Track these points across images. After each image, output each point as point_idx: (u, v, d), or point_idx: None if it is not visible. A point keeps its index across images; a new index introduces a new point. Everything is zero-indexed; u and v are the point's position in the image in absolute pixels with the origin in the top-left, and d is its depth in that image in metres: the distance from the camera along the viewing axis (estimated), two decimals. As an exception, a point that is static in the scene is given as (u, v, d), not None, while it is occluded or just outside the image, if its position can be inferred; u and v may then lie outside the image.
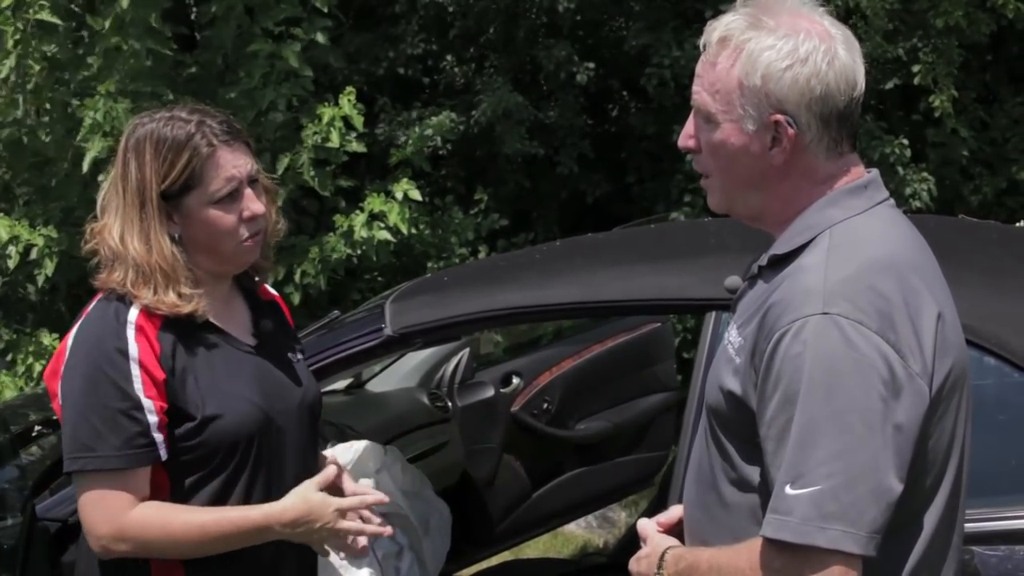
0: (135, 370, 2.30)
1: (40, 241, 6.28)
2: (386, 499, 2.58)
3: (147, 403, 2.29)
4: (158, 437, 2.31)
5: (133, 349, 2.30)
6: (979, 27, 7.71)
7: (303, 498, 2.39)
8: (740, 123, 1.88)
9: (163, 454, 2.33)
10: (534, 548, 5.54)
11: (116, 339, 2.31)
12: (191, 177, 2.35)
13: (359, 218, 6.60)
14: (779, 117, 1.85)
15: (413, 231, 6.84)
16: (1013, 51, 8.55)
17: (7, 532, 2.99)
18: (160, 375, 2.31)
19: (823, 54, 1.84)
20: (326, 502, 2.40)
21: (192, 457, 2.36)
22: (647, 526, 2.13)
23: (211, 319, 2.42)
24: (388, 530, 2.49)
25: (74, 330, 2.39)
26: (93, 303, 2.42)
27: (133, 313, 2.33)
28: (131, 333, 2.31)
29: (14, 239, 6.26)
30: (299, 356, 2.62)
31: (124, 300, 2.35)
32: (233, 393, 2.39)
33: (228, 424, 2.37)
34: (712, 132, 1.92)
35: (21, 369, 6.42)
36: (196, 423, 2.35)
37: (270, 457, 2.44)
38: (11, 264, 6.30)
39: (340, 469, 2.55)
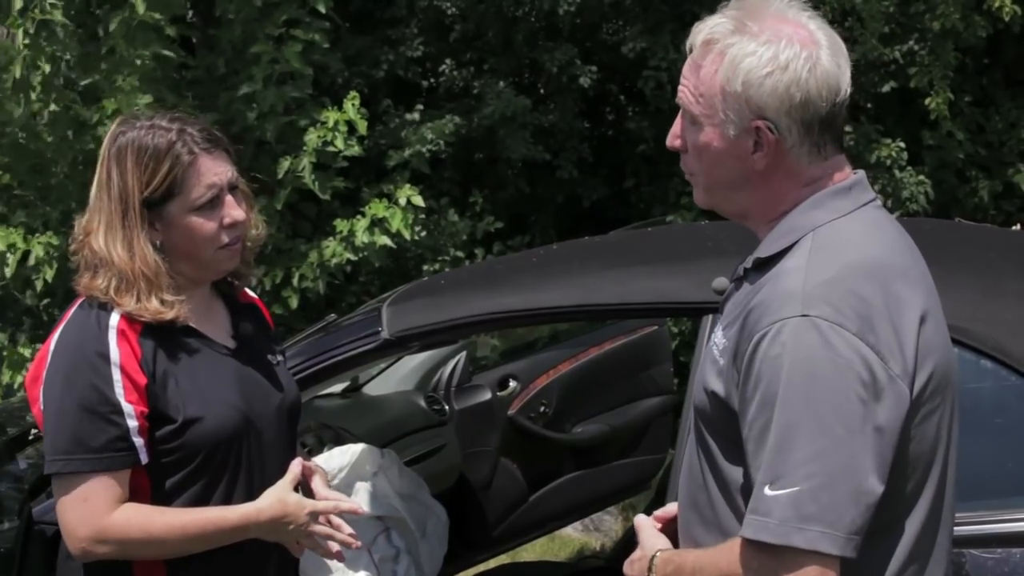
0: (116, 374, 2.31)
1: (40, 250, 6.27)
2: (360, 509, 2.59)
3: (127, 407, 2.31)
4: (138, 441, 2.33)
5: (114, 353, 2.32)
6: (975, 30, 7.73)
7: (279, 499, 2.41)
8: (722, 127, 1.88)
9: (143, 458, 2.34)
10: (531, 551, 5.54)
11: (97, 343, 2.32)
12: (173, 185, 2.36)
13: (361, 223, 6.59)
14: (759, 123, 1.85)
15: (415, 237, 6.85)
16: (1009, 54, 8.56)
17: (4, 536, 2.99)
18: (141, 379, 2.33)
19: (804, 61, 1.83)
20: (301, 504, 2.42)
21: (173, 459, 2.38)
22: (643, 523, 2.14)
23: (191, 323, 2.44)
24: (357, 543, 2.50)
25: (55, 335, 2.40)
26: (73, 308, 2.43)
27: (114, 318, 2.35)
28: (112, 337, 2.33)
29: (11, 247, 6.25)
30: (279, 358, 2.64)
31: (105, 306, 2.36)
32: (214, 396, 2.41)
33: (209, 427, 2.38)
34: (697, 134, 1.93)
35: (6, 378, 6.40)
36: (177, 426, 2.36)
37: (250, 459, 2.46)
38: (8, 272, 6.29)
39: (311, 469, 2.56)
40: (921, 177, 7.69)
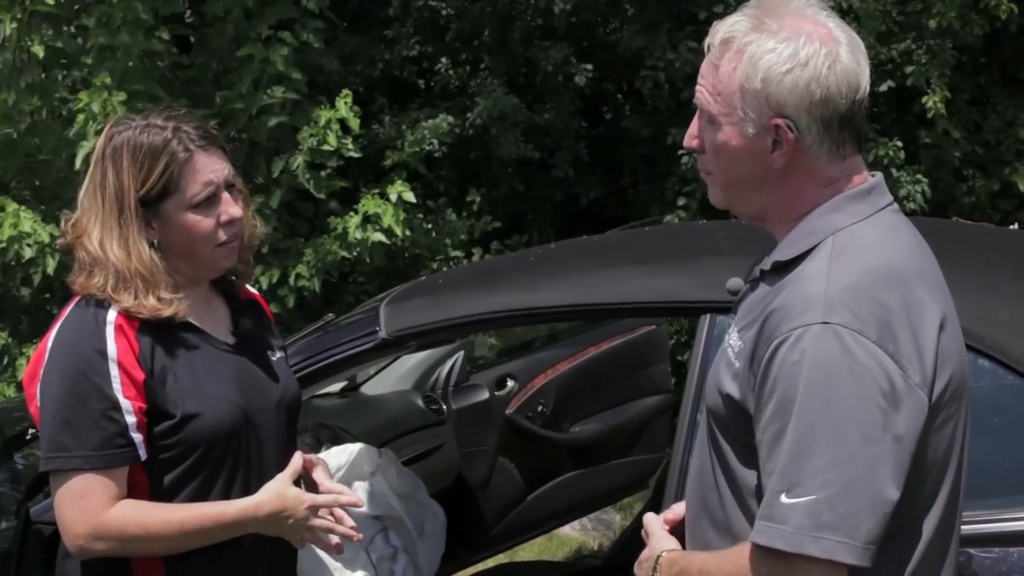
0: (114, 370, 2.31)
1: (47, 238, 6.27)
2: (360, 502, 2.58)
3: (125, 403, 2.31)
4: (136, 437, 2.33)
5: (112, 350, 2.32)
6: (972, 28, 7.72)
7: (278, 493, 2.41)
8: (741, 126, 1.87)
9: (142, 454, 2.35)
10: (529, 551, 5.54)
11: (95, 340, 2.33)
12: (169, 182, 2.37)
13: (353, 220, 6.59)
14: (779, 121, 1.85)
15: (407, 232, 6.84)
16: (1007, 53, 8.55)
17: (2, 535, 2.99)
18: (140, 375, 2.33)
19: (824, 57, 1.83)
20: (300, 498, 2.42)
21: (171, 455, 2.38)
22: (652, 524, 2.14)
23: (190, 320, 2.44)
24: (358, 535, 2.50)
25: (52, 333, 2.41)
26: (70, 306, 2.43)
27: (112, 314, 2.35)
28: (110, 333, 2.34)
29: (26, 234, 6.25)
30: (279, 354, 2.64)
31: (103, 303, 2.37)
32: (212, 392, 2.41)
33: (207, 422, 2.39)
34: (715, 133, 1.92)
35: (18, 370, 6.41)
36: (175, 422, 2.37)
37: (249, 454, 2.47)
38: (25, 256, 6.26)
39: (312, 462, 2.56)
40: (918, 176, 7.68)
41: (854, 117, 1.88)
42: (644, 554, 2.08)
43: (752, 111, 1.86)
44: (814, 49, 1.83)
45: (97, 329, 2.34)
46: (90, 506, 2.32)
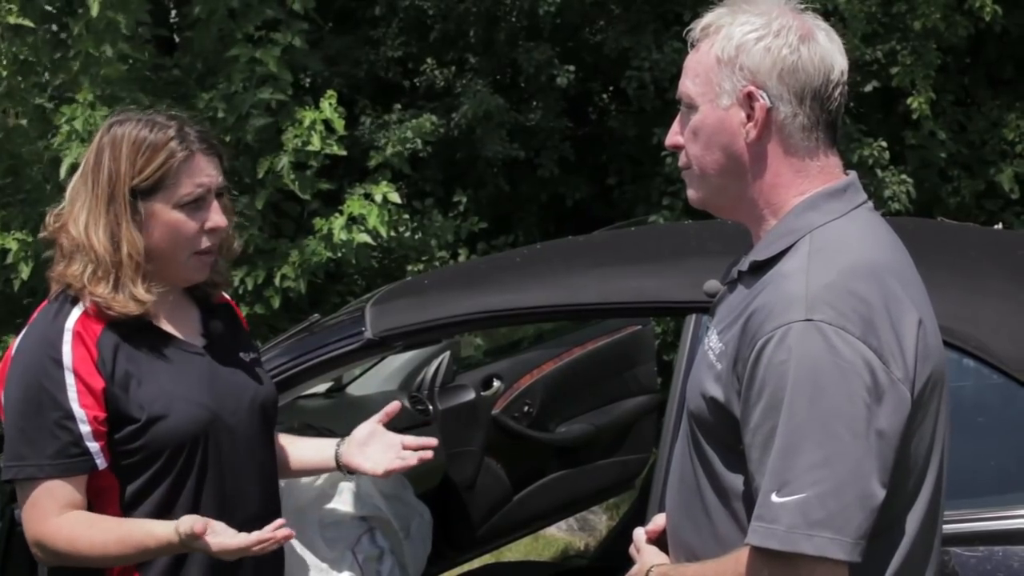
0: (69, 379, 2.30)
1: (14, 245, 6.25)
2: (276, 536, 2.35)
3: (80, 413, 2.30)
4: (92, 446, 2.32)
5: (67, 358, 2.31)
6: (956, 30, 7.75)
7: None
8: (716, 101, 1.90)
9: (100, 463, 2.34)
10: (515, 551, 5.54)
11: (51, 349, 2.32)
12: (164, 177, 2.37)
13: (338, 221, 6.58)
14: (752, 89, 1.87)
15: (393, 233, 6.83)
16: (991, 54, 8.58)
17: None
18: (98, 383, 2.32)
19: (795, 30, 1.87)
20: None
21: (137, 459, 2.37)
22: (639, 538, 2.14)
23: (158, 323, 2.44)
24: (285, 532, 2.31)
25: (19, 336, 2.40)
26: (39, 310, 2.43)
27: (71, 320, 2.34)
28: (67, 341, 2.32)
29: None
30: (252, 356, 2.63)
31: (69, 302, 2.36)
32: (178, 394, 2.39)
33: (172, 425, 2.37)
34: (693, 118, 1.94)
35: None
36: (139, 425, 2.35)
37: (221, 457, 2.45)
38: None
39: (205, 529, 2.36)
40: (903, 176, 7.70)
41: (828, 99, 1.90)
42: (633, 570, 2.08)
43: (727, 82, 1.89)
44: (787, 22, 1.88)
45: (55, 337, 2.33)
46: (37, 514, 2.32)
